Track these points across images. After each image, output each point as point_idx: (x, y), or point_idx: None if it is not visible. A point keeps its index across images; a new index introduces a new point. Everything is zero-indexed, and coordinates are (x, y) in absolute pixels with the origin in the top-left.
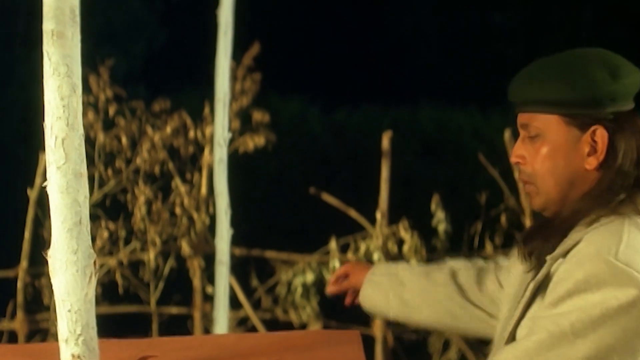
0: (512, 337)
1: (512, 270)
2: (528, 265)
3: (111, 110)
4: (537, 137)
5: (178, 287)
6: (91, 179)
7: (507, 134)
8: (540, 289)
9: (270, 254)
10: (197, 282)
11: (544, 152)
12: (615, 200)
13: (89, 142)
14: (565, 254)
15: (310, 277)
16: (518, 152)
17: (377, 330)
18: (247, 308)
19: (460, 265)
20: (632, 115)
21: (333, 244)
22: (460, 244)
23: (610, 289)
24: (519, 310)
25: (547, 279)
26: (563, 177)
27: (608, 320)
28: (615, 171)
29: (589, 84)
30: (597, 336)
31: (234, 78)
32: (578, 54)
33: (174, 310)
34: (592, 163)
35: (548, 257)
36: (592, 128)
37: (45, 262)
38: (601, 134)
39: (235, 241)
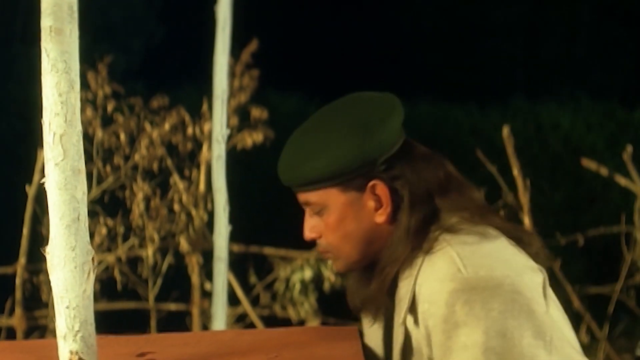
0: None
1: (364, 337)
2: (365, 316)
3: (109, 107)
4: (322, 210)
5: (176, 283)
6: (89, 176)
7: (505, 131)
8: (406, 350)
9: (268, 250)
10: (195, 278)
11: (332, 223)
12: (419, 238)
13: (88, 138)
14: (410, 307)
15: (308, 273)
16: (308, 227)
17: None
18: (246, 304)
19: None
20: (405, 151)
21: None
22: None
23: (479, 305)
24: None
25: (407, 338)
26: (358, 239)
27: (506, 332)
28: (407, 214)
29: (347, 151)
30: (513, 352)
31: (232, 74)
32: (327, 119)
33: (172, 306)
34: (382, 216)
35: (399, 323)
36: (370, 185)
37: (43, 259)
38: (380, 188)
39: (234, 237)
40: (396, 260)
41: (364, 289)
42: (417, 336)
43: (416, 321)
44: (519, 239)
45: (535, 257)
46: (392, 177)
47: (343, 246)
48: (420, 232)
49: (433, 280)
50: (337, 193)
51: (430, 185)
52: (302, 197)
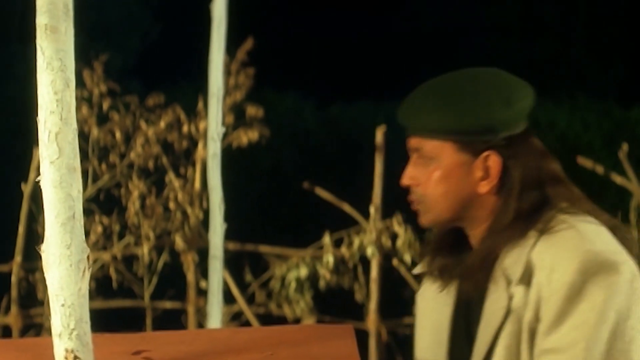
0: None
1: (421, 302)
2: (430, 284)
3: (105, 105)
4: (430, 160)
5: (172, 281)
6: (85, 174)
7: None
8: (508, 315)
9: (264, 248)
10: (190, 276)
11: (436, 176)
12: (532, 221)
13: (83, 136)
14: (523, 275)
15: (304, 271)
16: (410, 174)
17: (371, 324)
18: (241, 302)
19: None
20: (525, 137)
21: (327, 239)
22: None
23: (606, 277)
24: (487, 339)
25: (512, 301)
26: (455, 200)
27: (620, 308)
28: (516, 196)
29: (483, 112)
30: (619, 328)
31: (227, 73)
32: (471, 78)
33: (167, 304)
34: (484, 187)
35: (502, 288)
36: (485, 154)
37: (39, 257)
38: (494, 160)
39: (229, 236)
40: (506, 238)
41: (451, 256)
42: (520, 300)
43: (525, 286)
44: (618, 234)
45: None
46: (508, 155)
47: (439, 202)
48: (532, 214)
49: (559, 249)
50: (452, 150)
51: (543, 175)
52: (416, 142)
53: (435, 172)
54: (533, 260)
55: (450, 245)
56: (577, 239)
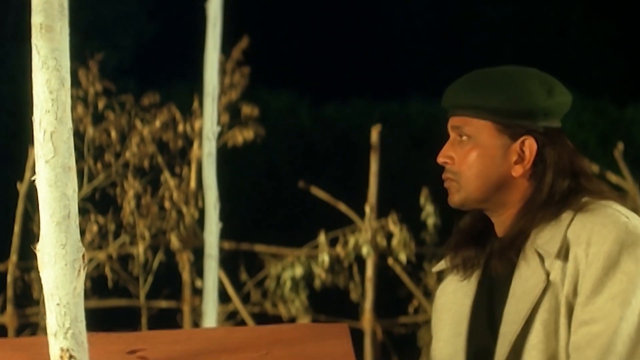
0: (516, 346)
1: (440, 298)
2: (460, 275)
3: (100, 104)
4: (469, 140)
5: (167, 280)
6: (80, 173)
7: None
8: (546, 290)
9: (259, 247)
10: (186, 275)
11: (473, 155)
12: (565, 203)
13: (79, 136)
14: (560, 251)
15: (299, 270)
16: (447, 152)
17: (366, 323)
18: (236, 302)
19: None
20: (560, 133)
21: (322, 238)
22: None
23: (638, 249)
24: (522, 316)
25: (549, 277)
26: (489, 180)
27: None
28: (549, 182)
29: (526, 96)
30: None
31: (223, 72)
32: (517, 69)
33: (163, 303)
34: (518, 171)
35: (536, 266)
36: (522, 138)
37: (34, 256)
38: (530, 144)
39: (224, 235)
40: (539, 219)
41: (475, 247)
42: (557, 275)
43: (563, 261)
44: None
45: None
46: (544, 143)
47: (472, 181)
48: (566, 198)
49: (595, 225)
50: (491, 131)
51: (576, 168)
52: (458, 120)
53: (472, 152)
54: (569, 236)
55: (475, 237)
56: (613, 215)
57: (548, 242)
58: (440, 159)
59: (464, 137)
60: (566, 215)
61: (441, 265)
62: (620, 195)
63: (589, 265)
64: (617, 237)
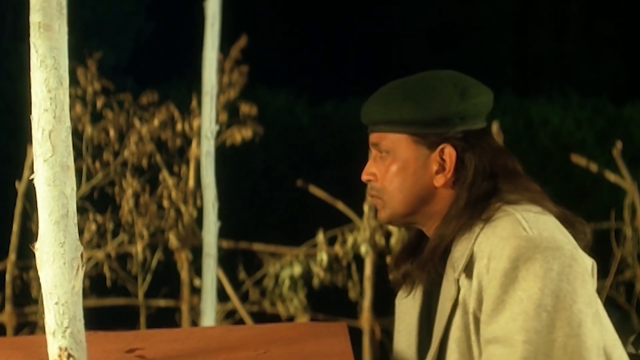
0: None
1: (398, 307)
2: (404, 289)
3: (99, 103)
4: (387, 154)
5: (166, 279)
6: (79, 172)
7: (494, 127)
8: (456, 307)
9: (257, 246)
10: (184, 274)
11: (393, 169)
12: (478, 209)
13: (77, 134)
14: (467, 266)
15: (297, 269)
16: (369, 170)
17: (365, 322)
18: (235, 300)
19: None
20: (482, 134)
21: (320, 237)
22: None
23: (540, 263)
24: (438, 334)
25: (457, 293)
26: (412, 193)
27: (560, 293)
28: (467, 187)
29: (436, 104)
30: (562, 314)
31: (221, 70)
32: (429, 76)
33: (161, 302)
34: (440, 180)
35: (451, 281)
36: (441, 146)
37: (33, 255)
38: (449, 153)
39: (223, 234)
40: (453, 228)
41: (411, 260)
42: (466, 292)
43: (469, 277)
44: (572, 225)
45: (583, 246)
46: (464, 148)
47: (395, 195)
48: (479, 204)
49: (496, 238)
50: (408, 143)
51: (496, 169)
52: (375, 137)
53: (391, 166)
54: (475, 250)
55: (411, 250)
56: (512, 226)
57: (460, 257)
58: (363, 177)
59: (384, 153)
60: (476, 227)
61: (391, 276)
62: (539, 194)
63: (490, 282)
64: (512, 252)
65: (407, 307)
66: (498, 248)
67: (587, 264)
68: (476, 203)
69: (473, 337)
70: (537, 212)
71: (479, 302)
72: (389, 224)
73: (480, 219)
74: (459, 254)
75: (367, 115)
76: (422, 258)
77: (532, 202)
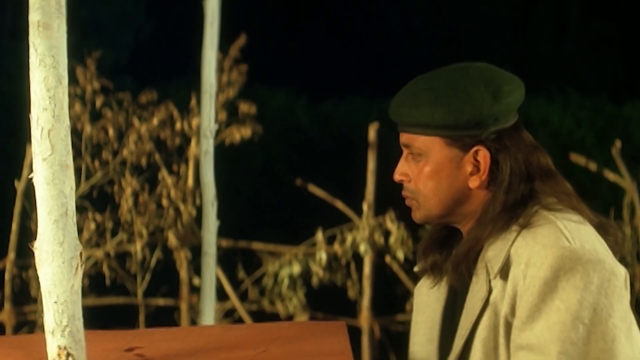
0: None
1: (418, 296)
2: (427, 279)
3: (98, 102)
4: (420, 156)
5: (165, 278)
6: (78, 171)
7: None
8: (486, 307)
9: (256, 245)
10: (183, 273)
11: (427, 171)
12: (516, 213)
13: (76, 133)
14: (502, 268)
15: (296, 268)
16: (401, 170)
17: (364, 321)
18: (234, 299)
19: None
20: (515, 130)
21: (319, 236)
22: None
23: (580, 275)
24: (465, 332)
25: (490, 295)
26: (447, 196)
27: (597, 307)
28: (504, 189)
29: (470, 107)
30: (598, 328)
31: (220, 69)
32: (459, 73)
33: (160, 301)
34: (475, 182)
35: (482, 281)
36: (475, 149)
37: (32, 254)
38: (483, 155)
39: (222, 233)
40: (490, 231)
41: (441, 252)
42: (498, 294)
43: (503, 279)
44: (606, 232)
45: (616, 252)
46: (498, 149)
47: (429, 197)
48: (517, 207)
49: (536, 245)
50: (441, 145)
51: (532, 169)
52: (407, 138)
53: (425, 168)
54: (512, 254)
55: (442, 242)
56: (554, 235)
57: (495, 256)
58: (396, 177)
59: (416, 154)
60: (514, 229)
61: (418, 266)
62: (575, 198)
63: (527, 288)
64: (554, 261)
65: (430, 299)
66: (538, 256)
67: (623, 274)
68: (514, 207)
69: (501, 340)
70: (577, 222)
71: (512, 306)
72: (424, 224)
73: (518, 221)
74: (492, 253)
75: (397, 117)
76: (456, 258)
77: (570, 208)
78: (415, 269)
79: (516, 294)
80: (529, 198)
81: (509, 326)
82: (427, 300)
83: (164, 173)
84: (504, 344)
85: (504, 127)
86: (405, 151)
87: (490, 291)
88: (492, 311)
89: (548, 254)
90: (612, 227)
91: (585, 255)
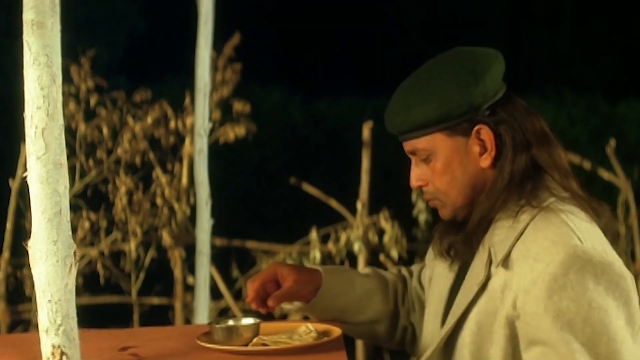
0: (452, 339)
1: (434, 268)
2: (446, 260)
3: (92, 101)
4: (428, 157)
5: (159, 277)
6: (72, 170)
7: None
8: (482, 292)
9: (251, 244)
10: (177, 272)
11: (439, 168)
12: (525, 189)
13: (70, 132)
14: (505, 258)
15: None
16: (416, 175)
17: None
18: (228, 298)
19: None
20: (507, 100)
21: (314, 234)
22: None
23: (590, 276)
24: (457, 312)
25: (487, 279)
26: (464, 184)
27: (607, 308)
28: (510, 159)
29: (457, 93)
30: (606, 329)
31: (214, 68)
32: (435, 66)
33: (155, 300)
34: (486, 161)
35: (483, 264)
36: (475, 129)
37: (26, 253)
38: (486, 132)
39: (216, 231)
40: (501, 202)
41: (457, 234)
42: (498, 284)
43: (505, 268)
44: (594, 210)
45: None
46: (496, 122)
47: (450, 191)
48: (524, 180)
49: (545, 240)
50: (443, 138)
51: (529, 135)
52: (410, 145)
53: (436, 166)
54: (519, 245)
55: (458, 226)
56: (566, 234)
57: (501, 243)
58: (413, 185)
59: (423, 156)
60: (524, 217)
61: (430, 252)
62: (569, 176)
63: (534, 282)
64: (566, 259)
65: (443, 274)
66: (548, 252)
67: (631, 276)
68: (521, 178)
69: (497, 329)
70: (586, 221)
71: (514, 298)
72: (454, 219)
73: (529, 208)
74: (498, 239)
75: (393, 127)
76: (467, 232)
77: (574, 199)
78: (432, 250)
79: (520, 287)
80: (532, 171)
81: (509, 318)
82: (441, 271)
83: (158, 172)
84: (501, 334)
85: (494, 100)
86: (413, 158)
87: (489, 278)
88: (489, 298)
89: (559, 250)
90: (601, 205)
91: (595, 257)
